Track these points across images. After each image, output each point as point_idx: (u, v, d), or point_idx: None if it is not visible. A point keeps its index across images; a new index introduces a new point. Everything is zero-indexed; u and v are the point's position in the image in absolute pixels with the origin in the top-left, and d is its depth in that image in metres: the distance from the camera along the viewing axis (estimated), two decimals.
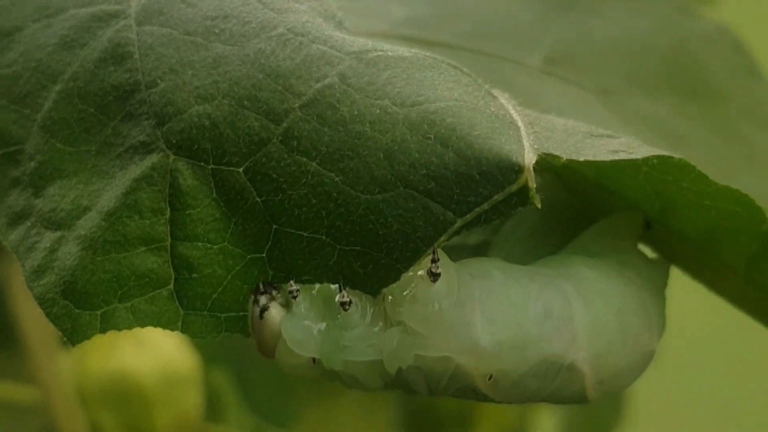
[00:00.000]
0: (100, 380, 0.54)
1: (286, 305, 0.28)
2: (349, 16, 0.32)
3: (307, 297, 0.28)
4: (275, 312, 0.28)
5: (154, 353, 0.55)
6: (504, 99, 0.30)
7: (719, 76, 0.48)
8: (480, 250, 0.34)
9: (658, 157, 0.28)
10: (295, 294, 0.28)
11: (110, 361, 0.55)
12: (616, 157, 0.28)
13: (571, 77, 0.44)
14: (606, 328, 0.29)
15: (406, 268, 0.27)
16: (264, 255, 0.28)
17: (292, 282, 0.28)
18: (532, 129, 0.28)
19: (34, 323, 0.53)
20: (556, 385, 0.29)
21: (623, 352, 0.29)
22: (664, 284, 0.32)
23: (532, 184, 0.26)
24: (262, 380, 0.65)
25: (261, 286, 0.28)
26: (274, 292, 0.28)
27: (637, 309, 0.30)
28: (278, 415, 0.67)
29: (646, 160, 0.28)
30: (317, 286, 0.28)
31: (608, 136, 0.29)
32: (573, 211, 0.33)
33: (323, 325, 0.28)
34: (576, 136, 0.29)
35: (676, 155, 0.29)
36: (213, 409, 0.61)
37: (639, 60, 0.46)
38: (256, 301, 0.28)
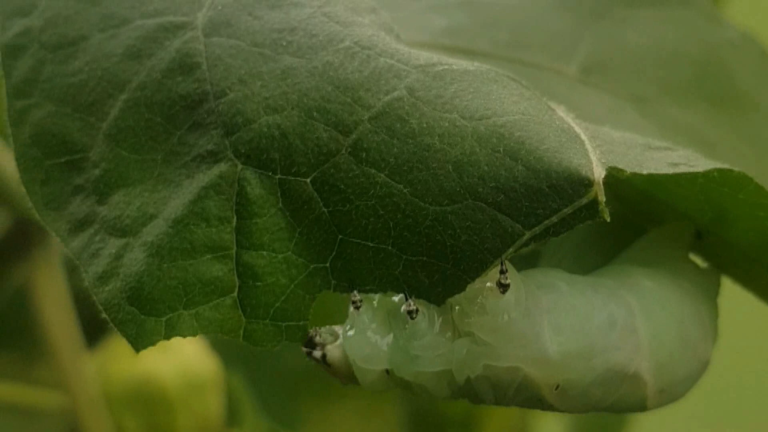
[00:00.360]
0: (123, 385, 0.55)
1: (336, 338, 0.28)
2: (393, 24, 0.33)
3: (369, 308, 0.28)
4: (333, 350, 0.28)
5: (176, 358, 0.56)
6: (562, 112, 0.30)
7: (747, 83, 0.48)
8: (530, 259, 0.34)
9: (719, 170, 0.29)
10: (359, 304, 0.28)
11: (134, 366, 0.55)
12: (677, 170, 0.28)
13: (606, 85, 0.44)
14: (667, 338, 0.29)
15: (473, 279, 0.27)
16: (327, 265, 0.29)
17: (355, 292, 0.28)
18: (595, 142, 0.28)
19: (59, 328, 0.53)
20: (619, 395, 0.29)
21: (683, 361, 0.30)
22: (716, 293, 0.32)
23: (602, 198, 0.26)
24: (274, 383, 0.66)
25: (305, 348, 0.28)
26: (317, 339, 0.28)
27: (695, 318, 0.30)
28: (289, 418, 0.67)
29: (706, 173, 0.28)
30: (378, 297, 0.29)
31: (666, 149, 0.30)
32: (621, 221, 0.34)
33: (390, 336, 0.28)
34: (635, 148, 0.30)
35: (735, 168, 0.29)
36: (230, 412, 0.61)
37: (670, 68, 0.47)
38: (314, 360, 0.28)
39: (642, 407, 0.30)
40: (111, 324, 0.57)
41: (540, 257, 0.33)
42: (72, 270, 0.55)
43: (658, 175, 0.29)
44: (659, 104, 0.45)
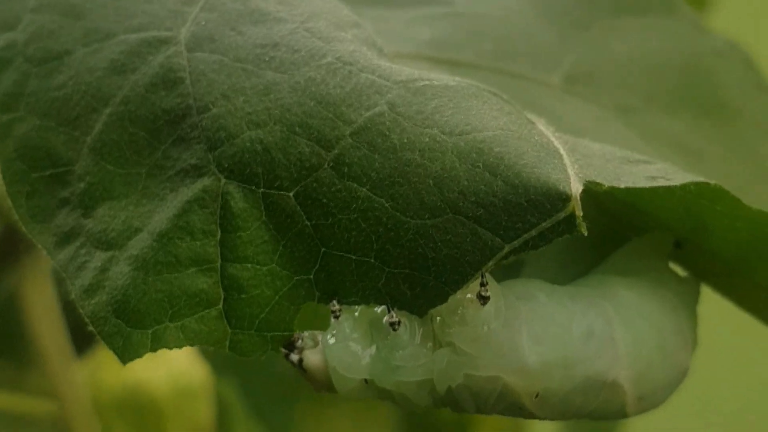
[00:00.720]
0: (113, 392, 0.55)
1: (315, 344, 0.29)
2: (377, 38, 0.33)
3: (350, 318, 0.29)
4: (311, 356, 0.29)
5: (166, 365, 0.56)
6: (542, 125, 0.30)
7: (732, 92, 0.48)
8: (513, 268, 0.34)
9: (695, 183, 0.29)
10: (338, 314, 0.29)
11: (124, 374, 0.55)
12: (654, 184, 0.29)
13: (591, 96, 0.45)
14: (646, 347, 0.30)
15: (454, 291, 0.28)
16: (311, 276, 0.29)
17: (335, 302, 0.29)
18: (574, 156, 0.28)
19: (48, 336, 0.53)
20: (598, 402, 0.29)
21: (662, 370, 0.30)
22: (696, 302, 0.33)
23: (579, 213, 0.27)
24: (267, 389, 0.66)
25: (284, 349, 0.29)
26: (298, 343, 0.29)
27: (674, 327, 0.31)
28: (282, 423, 0.67)
29: (683, 186, 0.29)
30: (359, 308, 0.29)
31: (645, 162, 0.30)
32: (603, 230, 0.34)
33: (372, 347, 0.28)
34: (613, 161, 0.30)
35: (711, 181, 0.29)
36: (222, 419, 0.61)
37: (655, 77, 0.47)
38: (291, 363, 0.29)
39: (622, 414, 0.30)
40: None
41: (523, 266, 0.34)
42: (61, 279, 0.55)
43: (636, 188, 0.29)
44: (644, 114, 0.45)
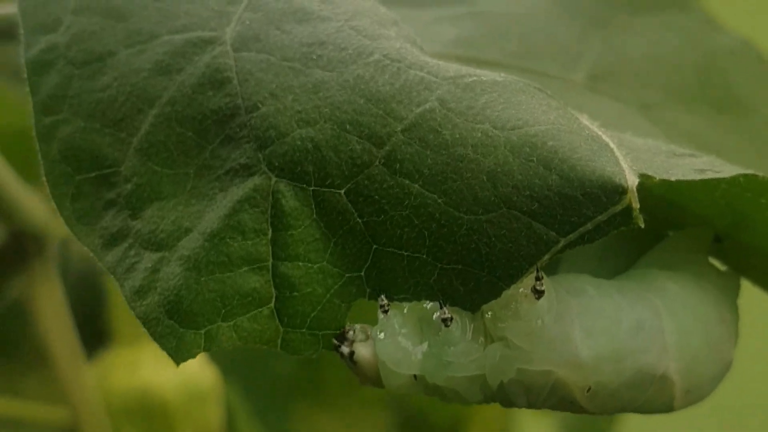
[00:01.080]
0: (123, 396, 0.55)
1: (366, 338, 0.29)
2: (416, 36, 0.33)
3: (399, 314, 0.29)
4: (362, 349, 0.29)
5: (176, 369, 0.56)
6: (586, 120, 0.31)
7: (746, 88, 0.49)
8: (550, 264, 0.35)
9: (745, 175, 0.29)
10: (386, 308, 0.29)
11: (134, 377, 0.55)
12: (704, 176, 0.29)
13: (614, 92, 0.45)
14: (693, 339, 0.30)
15: (508, 286, 0.28)
16: (362, 274, 0.29)
17: (383, 297, 0.29)
18: (623, 150, 0.29)
19: (58, 340, 0.53)
20: (647, 396, 0.30)
21: (708, 362, 0.31)
22: (737, 295, 0.33)
23: (636, 205, 0.27)
24: (265, 391, 0.66)
25: (335, 341, 0.29)
26: (350, 335, 0.29)
27: (718, 319, 0.31)
28: (280, 425, 0.67)
29: (732, 179, 0.29)
30: (408, 304, 0.29)
31: (690, 155, 0.31)
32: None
33: (423, 343, 0.28)
34: (660, 155, 0.30)
35: (759, 174, 0.30)
36: (228, 422, 0.61)
37: (673, 74, 0.47)
38: (341, 355, 0.29)
39: (669, 408, 0.31)
40: (109, 335, 0.57)
41: (560, 261, 0.34)
42: (69, 282, 0.55)
43: (677, 181, 0.30)
44: (665, 110, 0.45)
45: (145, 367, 0.55)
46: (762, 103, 0.49)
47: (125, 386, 0.55)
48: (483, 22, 0.44)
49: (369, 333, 0.29)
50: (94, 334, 0.58)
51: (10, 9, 0.39)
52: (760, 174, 0.30)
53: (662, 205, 0.33)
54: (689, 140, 0.44)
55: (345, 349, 0.29)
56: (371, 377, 0.29)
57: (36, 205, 0.50)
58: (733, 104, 0.48)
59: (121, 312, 0.56)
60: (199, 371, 0.56)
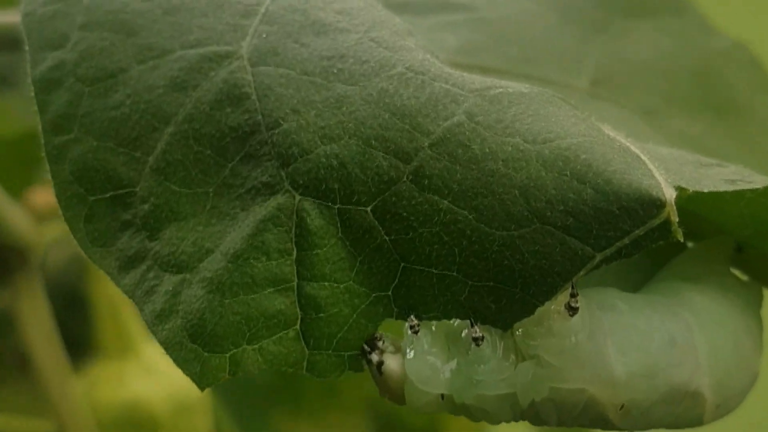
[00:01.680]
0: (111, 409, 0.54)
1: (396, 351, 0.28)
2: (431, 46, 0.33)
3: (428, 332, 0.28)
4: (391, 362, 0.28)
5: (164, 381, 0.55)
6: (609, 130, 0.30)
7: (744, 92, 0.49)
8: None
9: None
10: (417, 329, 0.28)
11: (121, 390, 0.54)
12: (736, 187, 0.28)
13: (615, 98, 0.45)
14: (724, 353, 0.30)
15: (542, 303, 0.27)
16: (390, 293, 0.28)
17: (412, 317, 0.28)
18: (655, 162, 0.28)
19: (44, 353, 0.52)
20: (679, 412, 0.29)
21: (738, 375, 0.30)
22: (760, 305, 0.33)
23: (675, 218, 0.26)
24: (245, 397, 0.66)
25: (366, 346, 0.28)
26: (380, 344, 0.28)
27: (746, 331, 0.31)
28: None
29: (766, 189, 0.29)
30: (435, 322, 0.28)
31: (717, 165, 0.30)
32: None
33: (452, 361, 0.28)
34: (687, 165, 0.30)
35: None
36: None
37: (671, 79, 0.47)
38: (368, 362, 0.28)
39: (698, 423, 0.30)
40: (95, 347, 0.56)
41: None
42: (54, 295, 0.54)
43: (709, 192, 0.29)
44: (665, 116, 0.45)
45: (132, 380, 0.55)
46: (758, 106, 0.49)
47: (113, 399, 0.54)
48: (483, 29, 0.44)
49: (398, 345, 0.28)
50: (80, 347, 0.57)
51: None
52: None
53: (682, 215, 0.33)
54: (691, 146, 0.44)
55: (375, 357, 0.28)
56: (394, 392, 0.28)
57: (19, 218, 0.49)
58: (731, 108, 0.48)
59: (107, 324, 0.56)
60: (187, 383, 0.55)
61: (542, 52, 0.44)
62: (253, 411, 0.66)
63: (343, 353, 0.28)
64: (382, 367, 0.28)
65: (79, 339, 0.58)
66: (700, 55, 0.49)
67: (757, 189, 0.29)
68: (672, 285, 0.31)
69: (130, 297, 0.29)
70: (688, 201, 0.31)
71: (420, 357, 0.28)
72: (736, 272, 0.34)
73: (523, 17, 0.45)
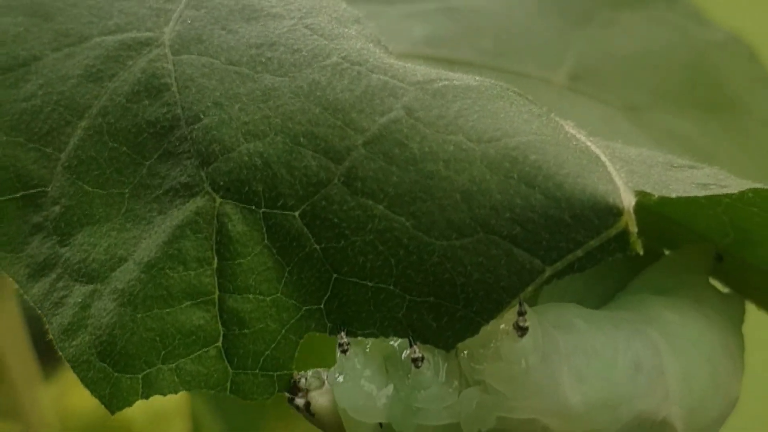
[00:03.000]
0: (83, 416, 0.52)
1: (322, 384, 0.26)
2: (380, 35, 0.30)
3: (360, 352, 0.25)
4: (319, 398, 0.26)
5: None
6: (572, 128, 0.27)
7: (737, 87, 0.46)
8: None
9: (754, 190, 0.26)
10: (346, 348, 0.25)
11: (93, 397, 0.52)
12: (708, 192, 0.26)
13: (597, 94, 0.42)
14: (697, 378, 0.27)
15: (487, 321, 0.24)
16: (322, 306, 0.26)
17: (342, 335, 0.25)
18: (617, 164, 0.25)
19: (14, 358, 0.50)
20: None
21: (713, 403, 0.27)
22: (741, 321, 0.30)
23: (633, 229, 0.23)
24: (236, 401, 0.63)
25: (287, 394, 0.26)
26: (302, 383, 0.26)
27: (724, 352, 0.28)
28: None
29: (740, 194, 0.26)
30: (371, 341, 0.26)
31: (690, 167, 0.27)
32: None
33: (389, 386, 0.25)
34: (656, 167, 0.27)
35: None
36: None
37: (661, 74, 0.45)
38: (296, 407, 0.25)
39: None
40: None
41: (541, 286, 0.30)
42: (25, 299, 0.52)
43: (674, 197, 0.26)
44: (652, 112, 0.42)
45: None
46: (754, 102, 0.46)
47: (85, 405, 0.52)
48: (455, 19, 0.41)
49: (323, 378, 0.26)
50: (51, 353, 0.55)
51: None
52: None
53: (656, 220, 0.30)
54: (678, 144, 0.42)
55: (300, 401, 0.25)
56: (334, 427, 0.26)
57: None
58: (724, 104, 0.45)
59: None
60: None
61: (518, 45, 0.42)
62: (244, 420, 0.65)
63: (272, 373, 0.26)
64: (311, 407, 0.25)
65: (51, 344, 0.56)
66: (692, 48, 0.46)
67: (733, 194, 0.27)
68: (642, 299, 0.28)
69: (38, 308, 0.26)
70: (661, 205, 0.28)
71: (351, 382, 0.25)
72: (717, 284, 0.31)
73: (498, 7, 0.42)
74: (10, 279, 0.50)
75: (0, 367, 0.50)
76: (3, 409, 0.53)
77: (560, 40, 0.43)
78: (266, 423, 0.63)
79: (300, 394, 0.25)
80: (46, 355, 0.52)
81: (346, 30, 0.27)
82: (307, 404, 0.25)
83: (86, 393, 0.52)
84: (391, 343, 0.25)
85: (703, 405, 0.27)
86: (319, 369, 0.26)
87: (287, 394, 0.25)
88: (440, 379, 0.25)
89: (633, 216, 0.23)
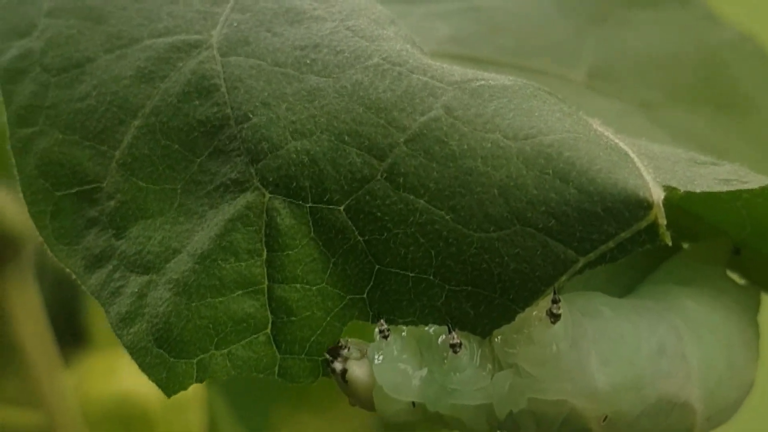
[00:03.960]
0: (102, 403, 0.53)
1: (362, 356, 0.27)
2: (414, 36, 0.31)
3: (398, 338, 0.27)
4: (356, 368, 0.27)
5: None
6: (599, 126, 0.29)
7: (749, 85, 0.47)
8: None
9: None
10: (387, 334, 0.27)
11: (113, 384, 0.53)
12: (731, 188, 0.27)
13: (613, 91, 0.43)
14: (716, 363, 0.28)
15: (523, 309, 0.26)
16: (365, 296, 0.27)
17: (382, 321, 0.27)
18: (644, 160, 0.27)
19: (34, 344, 0.51)
20: (667, 424, 0.28)
21: (731, 387, 0.29)
22: (757, 311, 0.31)
23: (663, 221, 0.25)
24: (247, 392, 0.65)
25: (328, 355, 0.27)
26: (344, 351, 0.27)
27: (741, 339, 0.29)
28: (261, 427, 0.66)
29: (762, 189, 0.27)
30: (407, 327, 0.27)
31: (712, 164, 0.29)
32: None
33: (424, 369, 0.26)
34: (680, 163, 0.28)
35: None
36: (209, 426, 0.60)
37: (674, 72, 0.46)
38: (332, 371, 0.27)
39: None
40: (87, 339, 0.55)
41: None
42: (45, 284, 0.54)
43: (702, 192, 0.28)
44: (666, 109, 0.44)
45: (124, 373, 0.54)
46: (765, 101, 0.47)
47: (104, 392, 0.53)
48: (477, 18, 0.42)
49: (364, 350, 0.27)
50: (72, 338, 0.56)
51: None
52: None
53: (677, 214, 0.31)
54: (692, 141, 0.43)
55: (338, 366, 0.27)
56: (363, 399, 0.27)
57: (10, 207, 0.48)
58: (735, 102, 0.46)
59: (99, 316, 0.55)
60: None
61: (537, 43, 0.43)
62: (256, 406, 0.65)
63: (316, 357, 0.27)
64: (347, 374, 0.27)
65: (71, 331, 0.57)
66: (704, 47, 0.48)
67: (754, 189, 0.28)
68: (664, 289, 0.30)
69: (96, 298, 0.28)
70: (682, 200, 0.29)
71: (389, 363, 0.27)
72: (734, 276, 0.32)
73: (517, 7, 0.43)
74: (28, 267, 0.51)
75: (20, 355, 0.51)
76: (23, 397, 0.54)
77: (577, 40, 0.44)
78: (279, 413, 0.65)
79: (339, 359, 0.27)
80: (66, 342, 0.53)
81: (384, 31, 0.29)
82: (344, 371, 0.26)
83: (105, 381, 0.53)
84: (428, 328, 0.27)
85: (720, 388, 0.28)
86: (363, 342, 0.27)
87: (327, 355, 0.26)
88: (475, 363, 0.26)
89: (662, 209, 0.25)
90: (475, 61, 0.41)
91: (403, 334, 0.27)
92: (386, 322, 0.27)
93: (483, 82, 0.27)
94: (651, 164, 0.27)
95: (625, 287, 0.31)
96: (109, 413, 0.52)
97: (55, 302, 0.56)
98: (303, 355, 0.27)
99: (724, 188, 0.27)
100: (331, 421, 0.65)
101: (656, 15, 0.48)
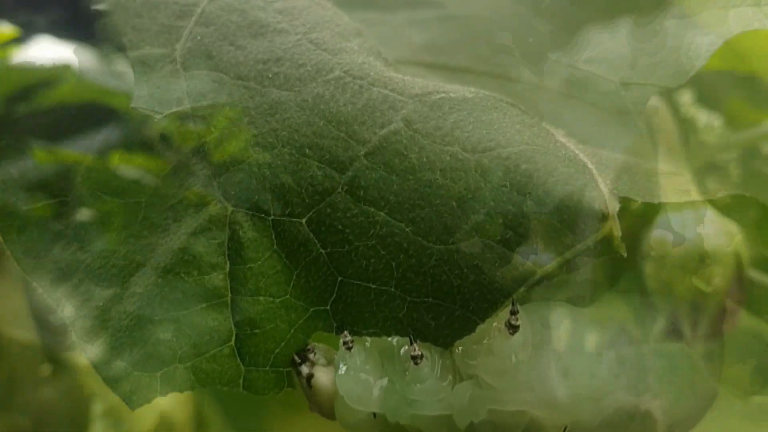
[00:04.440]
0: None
1: (328, 364, 0.27)
2: (380, 47, 0.31)
3: (361, 349, 0.27)
4: (322, 375, 0.27)
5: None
6: (562, 137, 0.29)
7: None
8: None
9: (732, 196, 0.27)
10: (350, 345, 0.27)
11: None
12: (688, 198, 0.27)
13: (590, 98, 0.43)
14: (677, 372, 0.28)
15: (483, 320, 0.26)
16: (328, 307, 0.27)
17: (346, 333, 0.27)
18: (603, 171, 0.27)
19: (22, 351, 0.51)
20: None
21: (693, 396, 0.29)
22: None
23: (618, 233, 0.25)
24: (238, 395, 0.64)
25: (296, 357, 0.27)
26: (312, 356, 0.27)
27: (703, 350, 0.29)
28: (256, 429, 0.66)
29: (721, 200, 0.27)
30: (369, 338, 0.27)
31: (674, 174, 0.29)
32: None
33: (384, 379, 0.27)
34: (639, 173, 0.28)
35: (746, 193, 0.28)
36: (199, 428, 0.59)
37: (653, 78, 0.46)
38: (298, 373, 0.27)
39: None
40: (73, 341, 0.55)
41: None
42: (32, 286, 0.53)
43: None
44: (644, 116, 0.44)
45: None
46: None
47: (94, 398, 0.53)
48: (453, 27, 0.42)
49: (330, 358, 0.27)
50: (58, 345, 0.56)
51: None
52: (747, 193, 0.28)
53: (640, 223, 0.32)
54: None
55: (305, 369, 0.27)
56: (323, 406, 0.27)
57: None
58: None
59: None
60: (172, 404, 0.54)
61: (513, 51, 0.43)
62: (248, 409, 0.65)
63: (281, 369, 0.27)
64: (312, 380, 0.27)
65: (57, 337, 0.57)
66: (684, 53, 0.47)
67: (719, 200, 0.28)
68: (626, 298, 0.30)
69: (61, 312, 0.28)
70: (643, 209, 0.29)
71: (352, 373, 0.27)
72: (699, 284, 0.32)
73: (493, 15, 0.43)
74: (15, 268, 0.51)
75: (7, 359, 0.51)
76: (11, 402, 0.54)
77: (553, 47, 0.44)
78: (271, 417, 0.64)
79: (307, 363, 0.27)
80: (53, 348, 0.53)
81: (349, 44, 0.29)
82: (310, 376, 0.27)
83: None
84: (390, 340, 0.27)
85: (682, 398, 0.28)
86: (331, 349, 0.27)
87: (295, 357, 0.27)
88: (436, 374, 0.26)
89: (617, 221, 0.25)
90: (450, 69, 0.41)
91: (366, 344, 0.27)
92: (349, 333, 0.27)
93: (443, 95, 0.27)
94: (611, 175, 0.27)
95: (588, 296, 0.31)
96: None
97: (42, 308, 0.56)
98: (268, 367, 0.27)
99: (683, 199, 0.27)
100: (323, 425, 0.65)
101: (635, 21, 0.48)
